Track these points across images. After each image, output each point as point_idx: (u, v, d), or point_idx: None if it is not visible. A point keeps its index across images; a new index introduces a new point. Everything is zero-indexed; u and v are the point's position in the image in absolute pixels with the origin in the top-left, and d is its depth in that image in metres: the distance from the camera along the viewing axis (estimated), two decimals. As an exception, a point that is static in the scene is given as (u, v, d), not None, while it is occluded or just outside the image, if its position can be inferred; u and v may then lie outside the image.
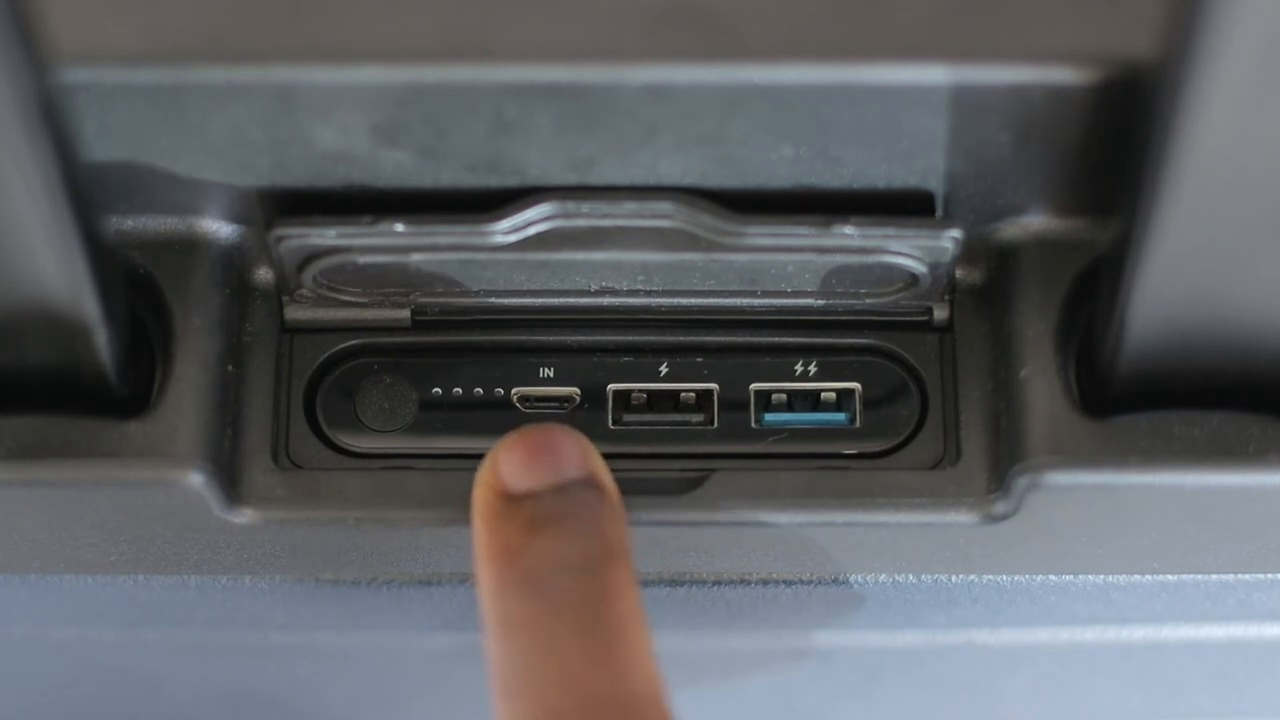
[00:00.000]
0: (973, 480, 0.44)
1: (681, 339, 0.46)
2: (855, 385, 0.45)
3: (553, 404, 0.45)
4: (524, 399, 0.45)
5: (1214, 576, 0.49)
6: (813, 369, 0.45)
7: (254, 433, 0.45)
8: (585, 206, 0.42)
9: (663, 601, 0.49)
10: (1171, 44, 0.35)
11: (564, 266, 0.44)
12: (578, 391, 0.45)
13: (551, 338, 0.46)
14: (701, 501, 0.44)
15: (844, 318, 0.45)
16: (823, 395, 0.45)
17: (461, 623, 0.50)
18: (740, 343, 0.46)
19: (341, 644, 0.52)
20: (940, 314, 0.45)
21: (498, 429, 0.44)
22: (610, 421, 0.45)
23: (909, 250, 0.42)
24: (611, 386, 0.45)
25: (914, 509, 0.44)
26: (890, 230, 0.42)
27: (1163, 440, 0.42)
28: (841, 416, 0.45)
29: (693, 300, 0.45)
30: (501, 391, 0.45)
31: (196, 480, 0.43)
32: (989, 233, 0.44)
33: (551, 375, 0.45)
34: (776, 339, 0.46)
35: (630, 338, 0.46)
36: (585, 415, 0.45)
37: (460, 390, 0.45)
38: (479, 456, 0.44)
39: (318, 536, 0.45)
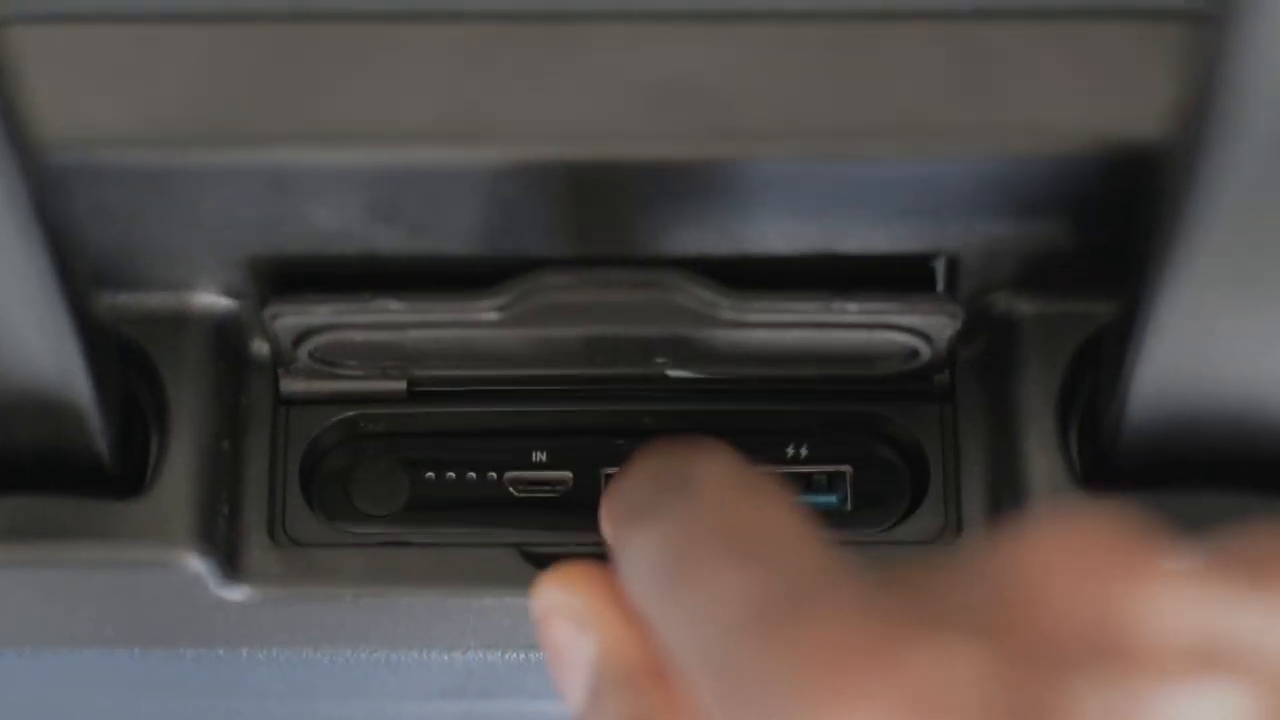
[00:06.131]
0: (975, 554, 0.44)
1: (675, 410, 0.45)
2: (845, 468, 0.45)
3: (545, 488, 0.45)
4: (516, 482, 0.45)
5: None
6: (804, 451, 0.45)
7: (250, 509, 0.44)
8: (581, 281, 0.42)
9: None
10: (1181, 126, 0.35)
11: (561, 339, 0.44)
12: (570, 476, 0.45)
13: (546, 409, 0.45)
14: None
15: (842, 388, 0.45)
16: (814, 477, 0.45)
17: (459, 690, 0.50)
18: (734, 422, 0.45)
19: (340, 712, 0.52)
20: (941, 385, 0.45)
21: (488, 514, 0.44)
22: None
23: (910, 325, 0.42)
24: (604, 471, 0.45)
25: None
26: (891, 305, 0.42)
27: (1165, 519, 0.42)
28: (832, 499, 0.45)
29: (690, 371, 0.45)
30: (494, 476, 0.45)
31: (193, 561, 0.43)
32: (990, 304, 0.44)
33: (544, 459, 0.45)
34: (771, 411, 0.45)
35: (626, 407, 0.45)
36: (578, 498, 0.45)
37: (452, 474, 0.45)
38: (469, 544, 0.44)
39: (316, 612, 0.45)
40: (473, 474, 0.45)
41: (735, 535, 0.36)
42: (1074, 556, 0.31)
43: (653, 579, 0.37)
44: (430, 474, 0.45)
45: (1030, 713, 0.30)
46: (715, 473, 0.38)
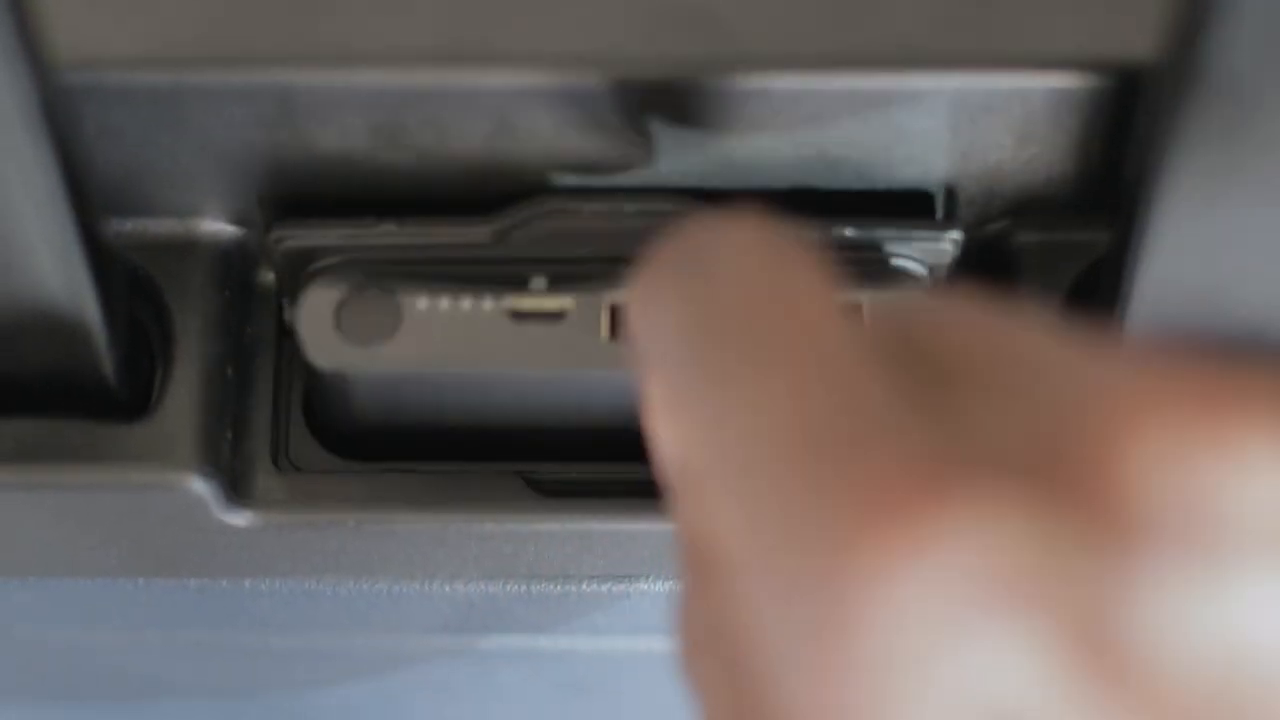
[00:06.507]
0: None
1: None
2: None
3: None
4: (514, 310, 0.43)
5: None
6: None
7: (254, 435, 0.45)
8: (584, 208, 0.42)
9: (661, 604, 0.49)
10: (1172, 47, 0.35)
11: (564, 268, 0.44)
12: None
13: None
14: None
15: None
16: None
17: (460, 624, 0.50)
18: None
19: (342, 645, 0.52)
20: None
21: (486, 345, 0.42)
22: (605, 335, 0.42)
23: (909, 252, 0.42)
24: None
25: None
26: (890, 232, 0.42)
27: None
28: None
29: None
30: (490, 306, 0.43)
31: (196, 483, 0.43)
32: (988, 233, 0.44)
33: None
34: None
35: None
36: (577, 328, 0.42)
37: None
38: (472, 470, 0.44)
39: (318, 539, 0.45)
40: (467, 303, 0.43)
41: (763, 321, 0.31)
42: (1168, 413, 0.27)
43: (671, 364, 0.32)
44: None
45: (1103, 590, 0.26)
46: (738, 240, 0.32)
